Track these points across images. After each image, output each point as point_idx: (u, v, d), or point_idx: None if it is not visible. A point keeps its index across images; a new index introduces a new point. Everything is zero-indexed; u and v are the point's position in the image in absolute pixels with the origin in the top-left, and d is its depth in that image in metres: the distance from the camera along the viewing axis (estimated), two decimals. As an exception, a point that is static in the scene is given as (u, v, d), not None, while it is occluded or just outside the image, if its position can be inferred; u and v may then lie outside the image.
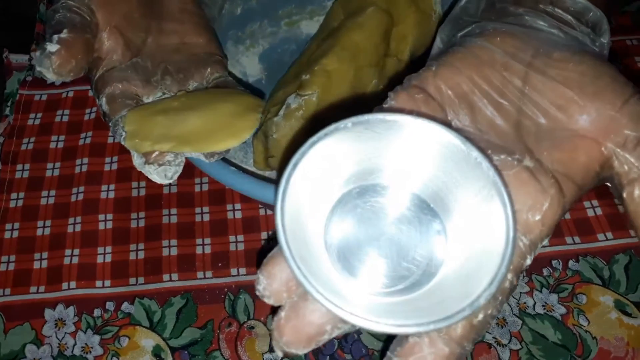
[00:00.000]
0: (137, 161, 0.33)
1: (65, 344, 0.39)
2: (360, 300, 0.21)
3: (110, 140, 0.48)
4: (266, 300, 0.22)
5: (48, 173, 0.47)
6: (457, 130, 0.22)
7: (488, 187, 0.21)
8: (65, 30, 0.31)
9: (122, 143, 0.33)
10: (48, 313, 0.41)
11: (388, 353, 0.22)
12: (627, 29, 0.53)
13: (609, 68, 0.24)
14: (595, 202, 0.44)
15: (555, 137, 0.24)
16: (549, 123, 0.24)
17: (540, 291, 0.41)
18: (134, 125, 0.33)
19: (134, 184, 0.46)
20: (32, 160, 0.47)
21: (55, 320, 0.40)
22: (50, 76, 0.31)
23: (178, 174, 0.33)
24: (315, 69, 0.41)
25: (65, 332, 0.40)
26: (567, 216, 0.44)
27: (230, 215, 0.44)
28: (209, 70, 0.37)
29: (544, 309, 0.40)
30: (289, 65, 0.46)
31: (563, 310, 0.40)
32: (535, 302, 0.40)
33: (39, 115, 0.50)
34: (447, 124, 0.22)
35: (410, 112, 0.22)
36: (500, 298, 0.22)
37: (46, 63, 0.30)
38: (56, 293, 0.41)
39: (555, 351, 0.38)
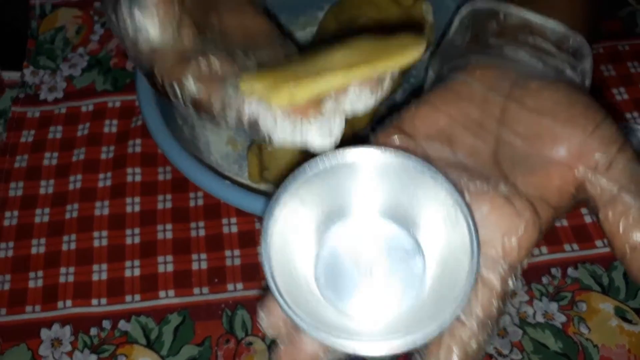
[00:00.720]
0: (284, 126, 0.24)
1: (62, 364, 0.39)
2: (344, 326, 0.22)
3: (103, 156, 0.48)
4: (268, 334, 0.24)
5: (42, 191, 0.46)
6: (427, 159, 0.23)
7: (452, 207, 0.22)
8: None
9: (250, 113, 0.24)
10: (44, 333, 0.40)
11: None
12: (618, 34, 0.53)
13: (582, 95, 0.26)
14: (592, 209, 0.44)
15: (530, 162, 0.25)
16: (524, 150, 0.25)
17: (540, 300, 0.40)
18: (263, 81, 0.24)
19: (128, 200, 0.45)
20: (26, 177, 0.47)
21: (52, 340, 0.40)
22: (154, 31, 0.24)
23: (342, 130, 0.24)
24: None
25: (62, 352, 0.39)
26: (565, 223, 0.43)
27: (226, 229, 0.44)
28: (283, 51, 0.31)
29: (544, 317, 0.40)
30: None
31: (563, 318, 0.40)
32: (535, 311, 0.40)
33: (32, 132, 0.49)
34: (412, 153, 0.23)
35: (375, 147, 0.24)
36: (489, 323, 0.23)
37: (149, 11, 0.24)
38: (52, 312, 0.41)
39: (556, 360, 0.38)
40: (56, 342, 0.40)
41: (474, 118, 0.26)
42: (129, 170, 0.47)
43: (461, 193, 0.23)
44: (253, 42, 0.31)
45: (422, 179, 0.23)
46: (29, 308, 0.41)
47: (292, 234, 0.23)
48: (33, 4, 0.57)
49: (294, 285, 0.22)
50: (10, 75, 0.53)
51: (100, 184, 0.46)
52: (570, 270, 0.41)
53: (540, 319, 0.40)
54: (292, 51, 0.31)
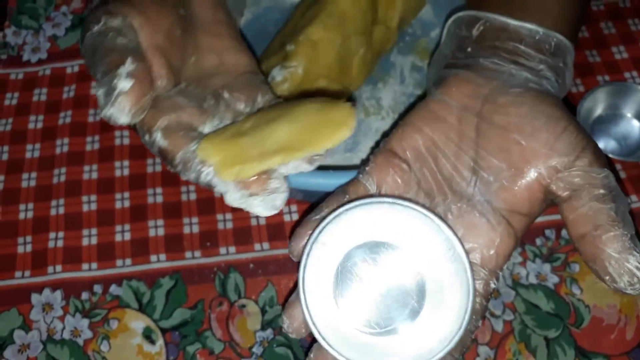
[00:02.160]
0: (234, 196, 0.28)
1: (54, 328, 0.39)
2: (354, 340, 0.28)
3: (91, 119, 0.46)
4: (291, 335, 0.29)
5: (28, 155, 0.45)
6: (419, 182, 0.30)
7: (449, 245, 0.28)
8: (129, 60, 0.26)
9: (206, 181, 0.28)
10: (35, 298, 0.40)
11: None
12: None
13: (545, 105, 0.29)
14: (588, 170, 0.44)
15: (502, 177, 0.28)
16: (496, 165, 0.29)
17: (534, 261, 0.40)
18: (218, 154, 0.28)
19: (117, 164, 0.44)
20: (11, 142, 0.46)
21: (43, 305, 0.40)
22: (125, 119, 0.26)
23: (285, 202, 0.28)
24: (300, 39, 0.39)
25: (53, 317, 0.39)
26: (560, 185, 0.43)
27: (217, 192, 0.43)
28: (258, 94, 0.33)
29: (537, 278, 0.40)
30: (273, 35, 0.44)
31: (556, 279, 0.40)
32: (528, 273, 0.40)
33: (16, 95, 0.48)
34: (413, 201, 0.29)
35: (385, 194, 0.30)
36: (474, 317, 0.28)
37: (122, 104, 0.25)
38: (42, 277, 0.40)
39: (548, 320, 0.38)
40: (47, 307, 0.40)
41: (453, 138, 0.30)
42: (117, 133, 0.46)
43: (451, 229, 0.28)
44: (230, 84, 0.32)
45: (424, 222, 0.28)
46: (18, 273, 0.41)
47: (320, 269, 0.28)
48: (12, -40, 0.55)
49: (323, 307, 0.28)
50: (-9, 36, 0.51)
51: (88, 147, 0.45)
52: (564, 232, 0.41)
53: (533, 280, 0.40)
54: (267, 93, 0.33)
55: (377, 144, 0.33)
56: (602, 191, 0.26)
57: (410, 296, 0.28)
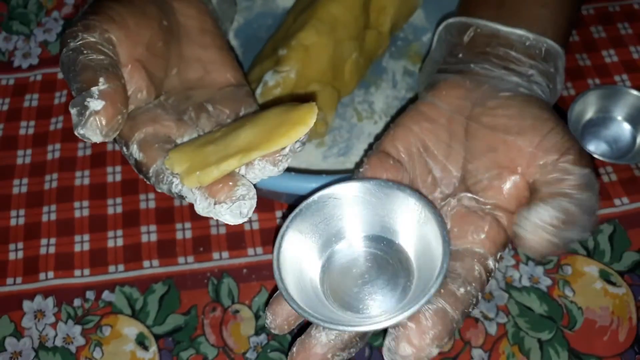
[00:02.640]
0: (201, 204, 0.27)
1: (46, 335, 0.39)
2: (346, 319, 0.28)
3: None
4: (273, 332, 0.30)
5: (19, 161, 0.45)
6: (412, 180, 0.31)
7: (421, 209, 0.29)
8: (102, 80, 0.26)
9: (177, 191, 0.28)
10: (26, 305, 0.40)
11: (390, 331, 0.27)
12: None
13: (533, 107, 0.29)
14: (579, 173, 0.44)
15: (490, 175, 0.29)
16: (485, 164, 0.29)
17: (526, 264, 0.40)
18: (184, 163, 0.28)
19: (109, 169, 0.44)
20: (2, 148, 0.46)
21: (35, 312, 0.39)
22: (97, 139, 0.26)
23: (253, 209, 0.28)
24: (293, 44, 0.39)
25: (46, 324, 0.39)
26: (552, 187, 0.43)
27: (210, 198, 0.43)
28: (242, 107, 0.33)
29: (530, 281, 0.40)
30: (266, 40, 0.44)
31: (549, 282, 0.40)
32: (521, 275, 0.40)
33: (7, 100, 0.48)
34: (400, 176, 0.30)
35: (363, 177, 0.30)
36: (473, 285, 0.28)
37: (93, 125, 0.25)
38: (34, 284, 0.40)
39: (541, 323, 0.38)
40: (39, 314, 0.39)
41: (443, 139, 0.31)
42: (109, 138, 0.46)
43: (425, 198, 0.29)
44: (214, 97, 0.33)
45: (393, 194, 0.29)
46: (9, 280, 0.40)
47: (297, 258, 0.29)
48: (3, -35, 0.54)
49: (304, 293, 0.28)
50: (-18, 41, 0.51)
51: (80, 153, 0.45)
52: (556, 234, 0.41)
53: (526, 282, 0.40)
54: (250, 106, 0.33)
55: (371, 146, 0.34)
56: (573, 190, 0.27)
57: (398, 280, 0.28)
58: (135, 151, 0.29)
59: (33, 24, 0.52)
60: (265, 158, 0.27)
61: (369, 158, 0.31)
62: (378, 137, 0.34)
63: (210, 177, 0.27)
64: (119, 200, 0.43)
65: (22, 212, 0.43)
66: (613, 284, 0.40)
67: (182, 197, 0.28)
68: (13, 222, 0.42)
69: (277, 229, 0.42)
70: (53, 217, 0.43)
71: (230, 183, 0.27)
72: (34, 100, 0.48)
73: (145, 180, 0.29)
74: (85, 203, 0.43)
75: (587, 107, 0.46)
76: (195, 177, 0.27)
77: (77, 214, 0.43)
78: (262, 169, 0.27)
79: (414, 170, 0.31)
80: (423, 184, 0.31)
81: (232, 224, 0.27)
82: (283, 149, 0.27)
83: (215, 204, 0.27)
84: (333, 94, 0.41)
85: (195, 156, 0.28)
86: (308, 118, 0.27)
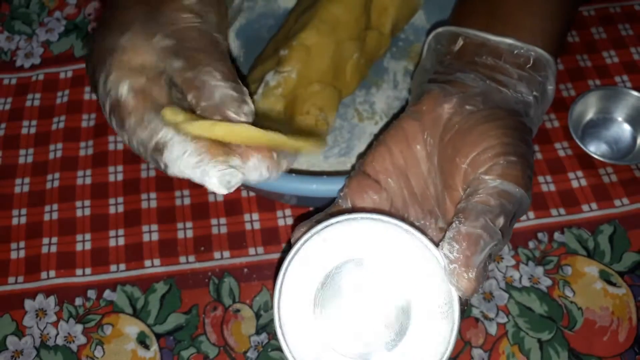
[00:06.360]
0: (189, 159, 0.26)
1: (48, 334, 0.39)
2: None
3: (84, 124, 0.46)
4: None
5: (21, 160, 0.45)
6: (393, 215, 0.28)
7: (426, 254, 0.27)
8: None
9: (161, 140, 0.26)
10: (28, 303, 0.40)
11: None
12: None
13: (488, 122, 0.28)
14: (579, 173, 0.44)
15: (444, 196, 0.29)
16: (441, 184, 0.29)
17: (527, 264, 0.41)
18: (184, 116, 0.26)
19: (111, 169, 0.44)
20: (4, 147, 0.46)
21: (36, 311, 0.39)
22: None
23: (237, 186, 0.27)
24: (294, 44, 0.39)
25: (47, 322, 0.39)
26: (552, 188, 0.43)
27: (211, 197, 0.43)
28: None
29: (530, 281, 0.40)
30: (267, 41, 0.44)
31: (549, 282, 0.40)
32: (521, 275, 0.40)
33: (9, 100, 0.48)
34: (387, 213, 0.29)
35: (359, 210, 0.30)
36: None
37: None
38: (35, 283, 0.40)
39: (541, 323, 0.39)
40: (41, 313, 0.39)
41: (421, 158, 0.31)
42: (111, 138, 0.46)
43: (425, 234, 0.27)
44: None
45: (404, 239, 0.27)
46: (11, 279, 0.40)
47: (299, 291, 0.27)
48: (5, -35, 0.55)
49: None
50: (-16, 41, 0.51)
51: (82, 153, 0.45)
52: (556, 235, 0.42)
53: (526, 282, 0.40)
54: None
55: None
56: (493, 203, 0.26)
57: (393, 321, 0.27)
58: (124, 90, 0.27)
59: (35, 23, 0.52)
60: (265, 157, 0.27)
61: (349, 180, 0.31)
62: (370, 145, 0.34)
63: (224, 129, 0.26)
64: (120, 199, 0.43)
65: (24, 211, 0.43)
66: (613, 284, 0.40)
67: (157, 151, 0.27)
68: (15, 221, 0.43)
69: (277, 228, 0.42)
70: (55, 216, 0.43)
71: (234, 149, 0.26)
72: (36, 99, 0.48)
73: (113, 124, 0.28)
74: (87, 202, 0.43)
75: (588, 108, 0.46)
76: (205, 125, 0.25)
77: (78, 213, 0.43)
78: (256, 166, 0.27)
79: (392, 190, 0.31)
80: (402, 204, 0.31)
81: (213, 190, 0.26)
82: (280, 152, 0.27)
83: (209, 162, 0.26)
84: (334, 94, 0.41)
85: (198, 118, 0.27)
86: (320, 144, 0.28)
